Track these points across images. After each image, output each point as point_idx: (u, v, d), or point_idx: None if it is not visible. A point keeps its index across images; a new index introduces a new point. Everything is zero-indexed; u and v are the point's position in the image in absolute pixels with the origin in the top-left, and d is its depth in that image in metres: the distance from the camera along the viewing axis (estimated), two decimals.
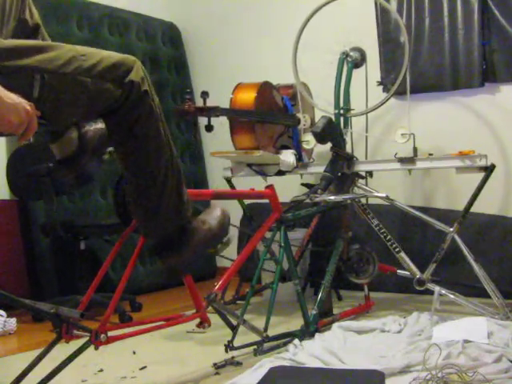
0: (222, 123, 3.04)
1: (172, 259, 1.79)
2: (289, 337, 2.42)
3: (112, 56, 1.60)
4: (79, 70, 1.51)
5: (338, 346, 2.26)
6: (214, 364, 2.18)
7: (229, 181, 3.27)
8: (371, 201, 3.22)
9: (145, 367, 2.20)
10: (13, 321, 2.86)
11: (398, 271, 2.96)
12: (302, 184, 3.21)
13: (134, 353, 2.39)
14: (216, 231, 1.85)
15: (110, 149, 1.88)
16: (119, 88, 1.58)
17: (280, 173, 3.17)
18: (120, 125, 1.65)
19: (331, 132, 2.85)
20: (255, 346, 2.27)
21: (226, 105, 2.99)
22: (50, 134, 1.83)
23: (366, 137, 3.31)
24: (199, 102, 2.75)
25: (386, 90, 3.56)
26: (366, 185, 3.10)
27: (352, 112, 3.17)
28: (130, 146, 1.68)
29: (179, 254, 1.78)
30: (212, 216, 1.87)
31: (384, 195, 2.87)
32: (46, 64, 1.45)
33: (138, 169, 1.70)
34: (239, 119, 3.00)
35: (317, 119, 2.98)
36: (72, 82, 1.50)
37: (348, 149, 3.12)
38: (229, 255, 3.18)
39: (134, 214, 1.82)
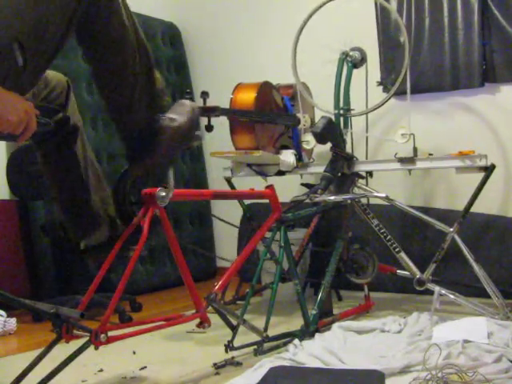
0: (221, 123, 3.04)
1: (146, 162, 1.77)
2: (289, 337, 2.41)
3: None
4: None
5: (338, 346, 2.26)
6: (214, 364, 2.18)
7: (229, 181, 3.27)
8: (371, 201, 3.22)
9: (145, 367, 2.20)
10: (13, 321, 2.86)
11: (398, 271, 2.96)
12: (302, 184, 3.21)
13: (134, 353, 2.39)
14: (186, 127, 1.81)
15: None
16: None
17: (280, 173, 3.17)
18: (85, 29, 1.61)
19: (331, 132, 2.85)
20: (255, 346, 2.27)
21: (226, 105, 2.98)
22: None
23: (366, 137, 3.31)
24: (199, 102, 2.75)
25: (386, 90, 3.55)
26: (366, 185, 3.10)
27: (352, 112, 3.17)
28: (94, 41, 1.64)
29: (151, 157, 1.76)
30: (180, 111, 1.84)
31: (384, 195, 2.87)
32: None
33: (106, 69, 1.68)
34: (239, 119, 3.00)
35: (317, 119, 2.98)
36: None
37: (348, 149, 3.12)
38: (229, 255, 3.19)
39: (108, 111, 1.78)
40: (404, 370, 1.96)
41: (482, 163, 2.75)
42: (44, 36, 1.45)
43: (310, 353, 2.15)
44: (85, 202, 1.88)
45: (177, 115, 1.83)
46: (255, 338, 2.29)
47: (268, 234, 2.59)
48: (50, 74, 1.78)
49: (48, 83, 1.75)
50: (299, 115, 3.21)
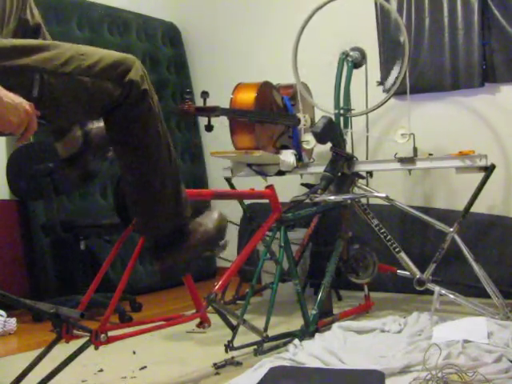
0: (222, 122, 3.04)
1: (168, 260, 1.79)
2: (289, 337, 2.42)
3: (111, 55, 1.60)
4: (78, 70, 1.51)
5: (338, 346, 2.26)
6: (214, 364, 2.18)
7: (229, 181, 3.27)
8: (371, 201, 3.22)
9: (145, 367, 2.20)
10: (13, 321, 2.86)
11: (398, 271, 2.96)
12: (302, 184, 3.21)
13: (134, 353, 2.39)
14: (213, 234, 1.84)
15: None
16: (119, 87, 1.58)
17: (280, 173, 3.17)
18: (119, 124, 1.65)
19: (331, 132, 2.85)
20: (255, 346, 2.27)
21: (226, 105, 2.98)
22: (55, 132, 1.83)
23: (367, 137, 3.31)
24: (199, 102, 2.75)
25: (385, 90, 3.55)
26: (367, 185, 3.10)
27: (352, 112, 3.17)
28: (128, 145, 1.67)
29: (175, 256, 1.78)
30: (209, 219, 1.87)
31: (384, 195, 2.87)
32: (45, 63, 1.45)
33: (137, 168, 1.70)
34: (239, 119, 3.00)
35: (317, 119, 2.98)
36: (71, 81, 1.50)
37: (348, 149, 3.12)
38: (229, 255, 3.18)
39: (133, 213, 1.82)
40: (404, 370, 1.96)
41: (482, 163, 2.75)
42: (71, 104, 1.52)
43: (310, 353, 2.16)
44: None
45: (206, 221, 1.86)
46: (255, 337, 2.29)
47: (268, 234, 2.59)
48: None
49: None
50: (299, 115, 3.21)
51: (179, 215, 1.77)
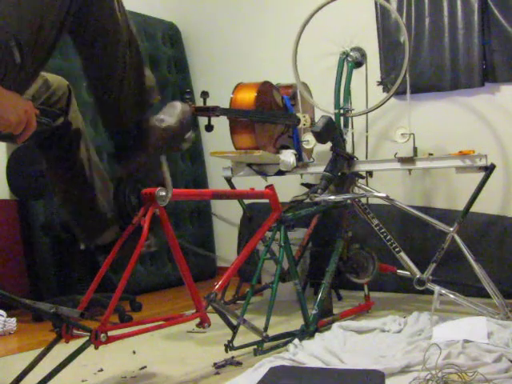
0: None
1: (132, 163, 1.76)
2: (289, 337, 2.41)
3: None
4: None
5: (338, 345, 2.26)
6: (214, 364, 2.18)
7: (229, 181, 3.27)
8: (371, 201, 3.22)
9: (145, 367, 2.20)
10: (13, 321, 2.86)
11: (398, 271, 2.96)
12: (302, 184, 3.21)
13: (134, 353, 2.39)
14: (175, 129, 1.80)
15: None
16: None
17: (280, 173, 3.17)
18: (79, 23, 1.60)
19: (331, 132, 2.85)
20: (255, 346, 2.27)
21: (225, 105, 2.99)
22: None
23: (366, 137, 3.31)
24: (199, 102, 2.75)
25: (386, 89, 3.56)
26: (367, 185, 3.10)
27: (352, 112, 3.17)
28: (86, 36, 1.62)
29: (139, 156, 1.75)
30: (171, 113, 1.83)
31: (384, 195, 2.87)
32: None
33: (97, 62, 1.66)
34: (239, 119, 3.00)
35: (317, 119, 2.98)
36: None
37: (348, 149, 3.12)
38: (229, 255, 3.19)
39: (97, 108, 1.77)
40: (404, 370, 1.96)
41: (482, 163, 2.74)
42: (40, 33, 1.45)
43: (310, 353, 2.15)
44: (91, 204, 1.87)
45: (166, 116, 1.82)
46: (255, 337, 2.29)
47: (268, 234, 2.59)
48: (51, 77, 1.77)
49: (49, 87, 1.75)
50: (299, 115, 3.21)
51: (144, 104, 1.74)
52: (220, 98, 2.97)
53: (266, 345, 2.30)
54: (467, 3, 3.37)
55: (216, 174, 4.18)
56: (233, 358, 2.23)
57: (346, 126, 3.14)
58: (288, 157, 3.10)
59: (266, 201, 2.53)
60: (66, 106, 1.79)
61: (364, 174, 3.09)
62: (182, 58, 4.48)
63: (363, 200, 3.04)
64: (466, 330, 2.26)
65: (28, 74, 1.46)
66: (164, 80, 4.28)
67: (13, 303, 1.85)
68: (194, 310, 2.14)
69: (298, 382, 1.83)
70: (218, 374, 2.12)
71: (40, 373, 1.76)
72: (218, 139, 3.37)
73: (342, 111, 3.11)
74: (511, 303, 2.75)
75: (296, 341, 2.32)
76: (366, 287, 3.04)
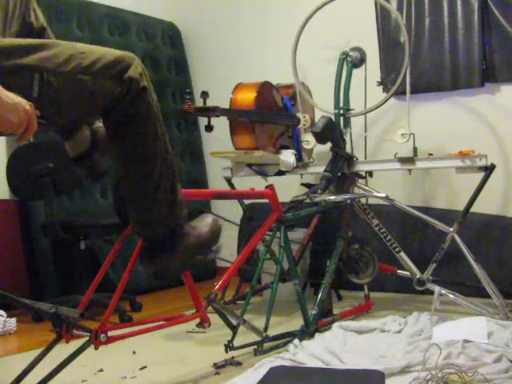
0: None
1: (161, 263, 1.78)
2: (289, 337, 2.42)
3: (110, 53, 1.59)
4: (78, 69, 1.50)
5: (338, 345, 2.26)
6: (214, 364, 2.18)
7: (229, 181, 3.27)
8: (371, 201, 3.21)
9: (145, 367, 2.20)
10: (13, 321, 2.86)
11: (398, 271, 2.96)
12: (302, 184, 3.21)
13: (134, 353, 2.39)
14: (206, 238, 1.84)
15: None
16: (118, 85, 1.58)
17: (280, 173, 3.17)
18: (117, 120, 1.64)
19: (331, 132, 2.85)
20: (255, 346, 2.27)
21: (225, 105, 2.99)
22: (62, 132, 1.83)
23: (366, 137, 3.31)
24: (199, 102, 2.75)
25: (385, 90, 3.56)
26: (366, 185, 3.10)
27: (352, 112, 3.17)
28: (125, 143, 1.67)
29: (168, 258, 1.77)
30: (203, 223, 1.86)
31: (384, 195, 2.87)
32: (45, 63, 1.45)
33: (133, 166, 1.69)
34: (239, 119, 3.00)
35: (317, 119, 2.98)
36: (71, 80, 1.50)
37: (348, 149, 3.12)
38: (229, 255, 3.18)
39: (128, 211, 1.80)
40: (404, 370, 1.96)
41: (482, 163, 2.74)
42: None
43: (310, 353, 2.16)
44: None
45: (199, 224, 1.85)
46: (255, 337, 2.29)
47: (268, 234, 2.59)
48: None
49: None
50: (299, 115, 3.21)
51: (174, 215, 1.77)
52: (220, 98, 2.97)
53: (266, 345, 2.30)
54: (467, 3, 3.37)
55: (216, 174, 4.18)
56: (233, 358, 2.23)
57: (345, 126, 3.14)
58: (288, 157, 3.10)
59: (266, 201, 2.53)
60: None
61: (364, 174, 3.09)
62: (181, 58, 4.48)
63: (363, 200, 3.04)
64: (466, 330, 2.26)
65: (42, 112, 1.47)
66: (164, 80, 4.29)
67: (13, 303, 1.85)
68: (194, 310, 2.14)
69: (297, 382, 1.83)
70: (217, 374, 2.12)
71: (40, 373, 1.76)
72: (218, 139, 3.37)
73: (341, 111, 3.11)
74: (511, 303, 2.75)
75: (296, 341, 2.32)
76: (365, 287, 3.04)
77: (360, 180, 3.08)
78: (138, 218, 1.77)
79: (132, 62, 1.62)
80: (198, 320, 2.15)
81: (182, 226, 1.80)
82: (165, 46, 4.39)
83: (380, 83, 3.59)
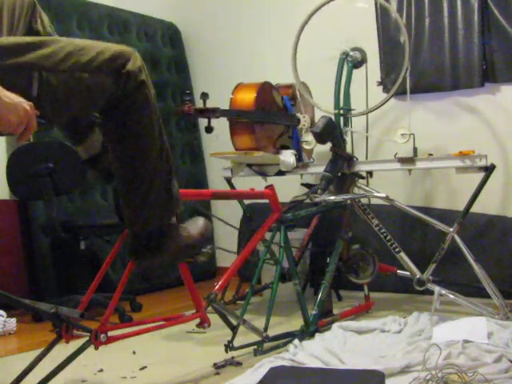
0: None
1: (147, 261, 1.77)
2: (289, 337, 2.42)
3: (109, 48, 1.59)
4: (77, 66, 1.50)
5: (338, 346, 2.26)
6: (214, 364, 2.18)
7: (229, 181, 3.27)
8: (371, 201, 3.21)
9: (145, 367, 2.20)
10: (13, 321, 2.86)
11: (398, 271, 2.96)
12: (302, 184, 3.21)
13: (134, 353, 2.39)
14: (196, 240, 1.84)
15: None
16: (117, 79, 1.57)
17: (280, 173, 3.17)
18: (115, 114, 1.64)
19: (331, 132, 2.85)
20: (255, 346, 2.27)
21: (225, 105, 2.98)
22: (73, 138, 1.83)
23: (366, 137, 3.31)
24: (199, 103, 2.75)
25: (386, 90, 3.55)
26: (367, 185, 3.10)
27: (352, 112, 3.17)
28: (121, 136, 1.66)
29: (155, 257, 1.77)
30: (194, 225, 1.86)
31: (384, 195, 2.87)
32: (44, 61, 1.44)
33: (128, 160, 1.68)
34: (239, 120, 3.00)
35: (317, 119, 2.98)
36: (70, 77, 1.49)
37: (348, 149, 3.12)
38: (229, 256, 3.18)
39: (122, 205, 1.79)
40: (404, 370, 1.96)
41: (482, 163, 2.74)
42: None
43: (310, 353, 2.16)
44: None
45: (190, 226, 1.85)
46: (255, 337, 2.29)
47: (268, 234, 2.59)
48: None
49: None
50: (299, 115, 3.21)
51: (169, 210, 1.76)
52: (220, 99, 2.97)
53: (266, 345, 2.30)
54: (467, 3, 3.37)
55: (216, 174, 4.18)
56: (233, 358, 2.23)
57: (346, 126, 3.14)
58: (288, 157, 3.10)
59: (266, 201, 2.53)
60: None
61: (364, 174, 3.09)
62: (181, 58, 4.48)
63: (363, 200, 3.04)
64: (466, 330, 2.26)
65: (41, 112, 1.46)
66: (164, 80, 4.29)
67: (13, 303, 1.85)
68: (193, 311, 2.14)
69: (297, 382, 1.83)
70: (217, 374, 2.12)
71: (40, 373, 1.76)
72: (217, 140, 3.37)
73: (342, 111, 3.11)
74: (511, 303, 2.75)
75: (296, 341, 2.32)
76: (365, 287, 3.04)
77: (360, 180, 3.08)
78: (130, 212, 1.75)
79: (131, 56, 1.61)
80: (197, 320, 2.15)
81: (173, 227, 1.79)
82: (165, 46, 4.39)
83: (380, 83, 3.59)
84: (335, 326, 2.52)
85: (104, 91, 1.57)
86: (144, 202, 1.71)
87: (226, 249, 3.05)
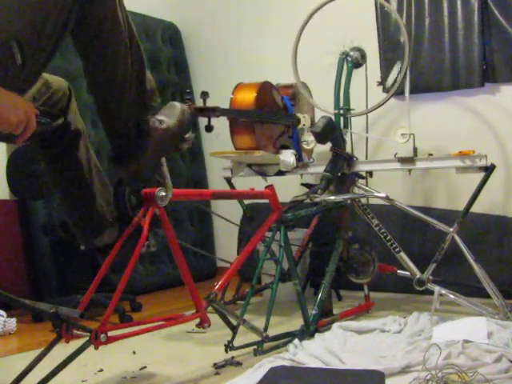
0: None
1: (132, 165, 1.76)
2: (289, 337, 2.42)
3: None
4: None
5: (338, 346, 2.26)
6: (214, 364, 2.18)
7: (229, 181, 3.27)
8: (371, 201, 3.22)
9: (145, 367, 2.20)
10: (13, 321, 2.86)
11: (398, 271, 2.96)
12: (302, 184, 3.21)
13: (134, 353, 2.39)
14: (175, 130, 1.81)
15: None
16: None
17: (280, 173, 3.17)
18: (82, 19, 1.59)
19: (331, 132, 2.85)
20: (255, 346, 2.27)
21: (226, 105, 2.98)
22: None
23: (366, 137, 3.31)
24: (199, 103, 2.74)
25: (386, 90, 3.55)
26: (366, 185, 3.10)
27: (352, 112, 3.17)
28: (88, 36, 1.62)
29: (139, 159, 1.75)
30: (169, 114, 1.83)
31: (384, 195, 2.87)
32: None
33: (98, 59, 1.66)
34: (239, 119, 3.00)
35: (317, 119, 2.98)
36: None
37: (348, 149, 3.12)
38: (229, 255, 3.18)
39: (97, 110, 1.77)
40: (404, 370, 1.96)
41: (482, 163, 2.74)
42: (42, 33, 1.44)
43: (310, 353, 2.15)
44: (90, 205, 1.88)
45: (166, 117, 1.82)
46: (255, 337, 2.29)
47: (268, 234, 2.59)
48: (51, 78, 1.77)
49: (49, 87, 1.74)
50: (299, 115, 3.21)
51: (145, 103, 1.74)
52: (220, 98, 2.96)
53: (266, 345, 2.30)
54: (467, 3, 3.38)
55: (216, 174, 4.18)
56: (233, 358, 2.23)
57: (345, 126, 3.14)
58: (288, 157, 3.10)
59: (266, 201, 2.53)
60: (65, 106, 1.79)
61: (364, 174, 3.09)
62: (181, 58, 4.48)
63: (363, 200, 3.04)
64: (466, 330, 2.26)
65: (29, 75, 1.46)
66: (164, 80, 4.28)
67: (13, 303, 1.85)
68: (194, 311, 2.14)
69: (297, 381, 1.83)
70: (217, 374, 2.12)
71: (40, 373, 1.76)
72: (217, 139, 3.36)
73: (341, 111, 3.11)
74: (511, 303, 2.75)
75: (296, 341, 2.32)
76: (365, 287, 3.04)
77: (360, 180, 3.08)
78: (106, 117, 1.74)
79: None
80: (197, 320, 2.14)
81: (147, 122, 1.76)
82: (165, 46, 4.39)
83: (380, 83, 3.59)
84: (335, 325, 2.51)
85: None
86: (119, 103, 1.69)
87: (225, 259, 3.05)
